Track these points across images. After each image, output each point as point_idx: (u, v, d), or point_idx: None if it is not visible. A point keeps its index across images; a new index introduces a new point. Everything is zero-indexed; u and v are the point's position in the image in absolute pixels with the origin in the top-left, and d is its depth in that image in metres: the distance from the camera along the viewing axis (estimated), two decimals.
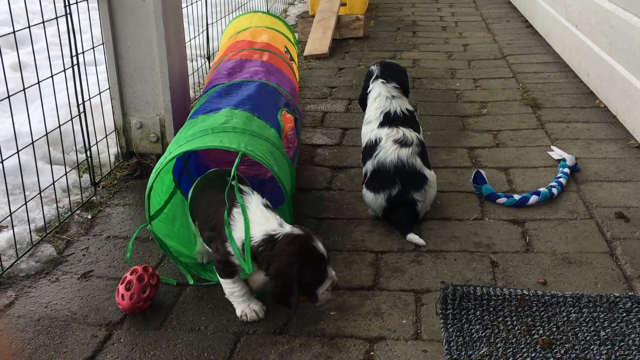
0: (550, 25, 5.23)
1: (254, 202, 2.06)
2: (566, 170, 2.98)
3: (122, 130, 3.25)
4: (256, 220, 2.00)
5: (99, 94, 3.14)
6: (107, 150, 3.23)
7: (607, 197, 2.79)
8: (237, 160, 2.22)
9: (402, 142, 2.63)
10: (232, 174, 2.14)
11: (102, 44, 3.11)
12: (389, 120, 2.73)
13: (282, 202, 2.61)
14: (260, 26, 3.65)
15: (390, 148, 2.63)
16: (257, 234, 1.98)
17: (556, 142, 3.39)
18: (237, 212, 2.04)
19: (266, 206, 2.07)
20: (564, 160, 3.08)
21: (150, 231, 2.28)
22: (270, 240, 1.95)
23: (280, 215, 2.08)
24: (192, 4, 4.42)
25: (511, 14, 6.66)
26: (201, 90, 4.32)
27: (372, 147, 2.69)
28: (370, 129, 2.77)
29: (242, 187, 2.14)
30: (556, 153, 3.19)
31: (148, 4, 3.01)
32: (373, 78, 2.92)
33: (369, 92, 2.91)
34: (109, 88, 3.19)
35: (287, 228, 1.98)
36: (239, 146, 2.21)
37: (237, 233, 2.01)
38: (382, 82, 2.86)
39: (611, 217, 2.62)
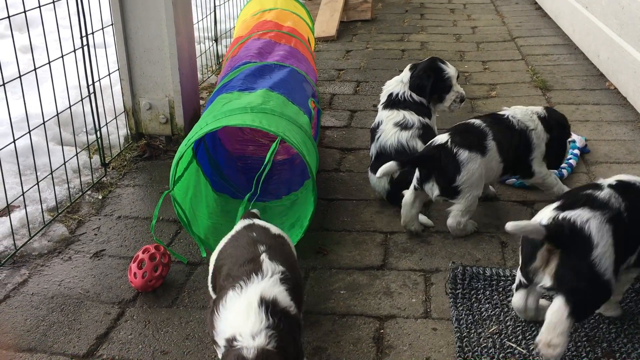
0: (560, 7, 5.18)
1: (249, 292, 1.58)
2: (576, 151, 2.98)
3: (132, 112, 3.26)
4: (233, 317, 1.55)
5: (109, 75, 3.15)
6: (117, 131, 3.24)
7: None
8: (274, 146, 2.22)
9: (403, 125, 2.63)
10: (265, 166, 2.13)
11: (112, 25, 3.11)
12: (390, 102, 2.73)
13: (301, 186, 2.69)
14: (285, 9, 3.65)
15: (390, 131, 2.62)
16: (226, 332, 1.54)
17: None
18: (231, 296, 1.60)
19: (262, 301, 1.55)
20: (573, 141, 3.07)
21: (172, 197, 2.28)
22: (229, 346, 1.50)
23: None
24: None
25: None
26: (208, 73, 4.31)
27: (374, 130, 2.70)
28: (379, 111, 2.77)
29: (261, 261, 1.68)
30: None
31: None
32: (411, 67, 2.82)
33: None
34: (119, 69, 3.19)
35: (257, 341, 1.46)
36: (277, 130, 2.23)
37: (221, 325, 1.58)
38: (409, 70, 2.79)
39: None
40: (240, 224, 1.94)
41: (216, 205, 2.68)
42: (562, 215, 1.73)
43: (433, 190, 2.35)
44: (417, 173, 2.39)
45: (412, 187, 2.41)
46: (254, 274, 1.64)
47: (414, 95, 2.74)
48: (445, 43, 5.04)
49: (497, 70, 4.34)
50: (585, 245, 1.69)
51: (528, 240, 1.79)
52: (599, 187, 1.84)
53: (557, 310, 1.67)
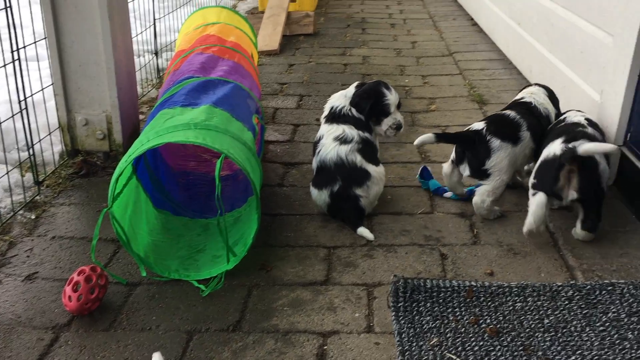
0: (495, 24, 5.37)
1: None
2: None
3: (67, 128, 3.15)
4: None
5: (42, 90, 3.04)
6: (51, 148, 3.13)
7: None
8: (219, 165, 2.19)
9: (342, 139, 2.65)
10: (217, 180, 2.13)
11: (45, 38, 3.01)
12: (332, 116, 2.75)
13: (244, 202, 2.67)
14: (229, 24, 3.63)
15: (330, 145, 2.65)
16: None
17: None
18: None
19: None
20: None
21: (111, 215, 2.22)
22: None
23: None
24: None
25: (457, 12, 6.80)
26: (148, 87, 4.24)
27: (316, 143, 2.72)
28: (322, 125, 2.79)
29: None
30: None
31: None
32: (357, 85, 2.85)
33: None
34: (53, 84, 3.09)
35: None
36: (222, 147, 2.20)
37: None
38: (356, 87, 2.82)
39: (554, 209, 2.72)
40: None
41: (157, 222, 2.62)
42: (571, 145, 2.35)
43: (465, 170, 2.63)
44: (451, 156, 2.69)
45: (450, 160, 2.71)
46: None
47: (354, 110, 2.77)
48: (387, 57, 5.13)
49: (436, 85, 4.46)
50: (593, 164, 2.35)
51: (551, 167, 2.37)
52: (582, 125, 2.54)
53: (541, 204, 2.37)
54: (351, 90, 2.82)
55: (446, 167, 2.75)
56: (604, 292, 2.15)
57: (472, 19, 6.35)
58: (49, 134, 3.14)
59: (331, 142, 2.65)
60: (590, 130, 2.50)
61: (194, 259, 2.43)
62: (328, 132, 2.69)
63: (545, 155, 2.46)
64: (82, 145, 3.19)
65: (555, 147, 2.41)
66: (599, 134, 2.54)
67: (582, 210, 2.42)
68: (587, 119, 2.62)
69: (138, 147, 2.22)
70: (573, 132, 2.45)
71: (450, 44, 5.50)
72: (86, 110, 3.13)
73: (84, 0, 2.94)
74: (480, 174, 2.59)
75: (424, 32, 5.96)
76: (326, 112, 2.80)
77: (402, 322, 2.03)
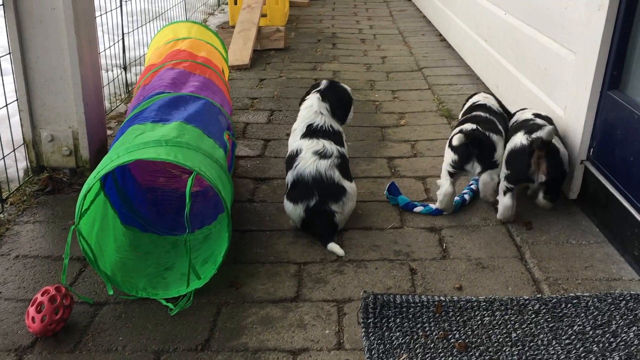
0: (463, 40, 5.47)
1: None
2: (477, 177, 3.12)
3: (32, 144, 3.10)
4: None
5: (6, 105, 2.98)
6: (16, 164, 3.07)
7: (516, 202, 2.94)
8: (189, 183, 2.17)
9: (322, 154, 2.66)
10: (187, 197, 2.09)
11: (9, 53, 2.96)
12: (310, 132, 2.76)
13: (214, 219, 2.66)
14: (199, 39, 3.61)
15: (309, 159, 2.65)
16: None
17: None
18: None
19: None
20: None
21: (78, 232, 2.17)
22: None
23: None
24: (106, 12, 4.29)
25: (426, 28, 6.90)
26: (117, 102, 4.19)
27: (292, 158, 2.71)
28: (294, 140, 2.79)
29: None
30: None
31: (58, 13, 2.89)
32: (315, 90, 2.93)
33: (306, 99, 2.93)
34: (17, 100, 3.04)
35: None
36: (193, 164, 2.18)
37: None
38: (319, 98, 2.88)
39: (520, 222, 2.77)
40: None
41: (125, 239, 2.58)
42: (533, 135, 2.68)
43: (475, 168, 2.82)
44: (449, 161, 2.84)
45: (446, 178, 2.85)
46: None
47: (333, 125, 2.80)
48: (357, 72, 5.18)
49: (406, 100, 4.51)
50: (555, 150, 2.69)
51: (522, 156, 2.70)
52: (532, 119, 2.89)
53: (509, 206, 2.76)
54: (320, 104, 2.84)
55: (447, 186, 2.82)
56: (569, 305, 2.18)
57: (440, 35, 6.45)
58: (14, 150, 3.08)
59: (311, 156, 2.65)
60: (540, 121, 2.88)
61: (162, 276, 2.40)
62: (308, 147, 2.69)
63: (511, 147, 2.77)
64: (48, 162, 3.13)
65: (518, 139, 2.74)
66: (548, 122, 2.89)
67: (546, 188, 2.74)
68: (534, 114, 2.98)
69: (107, 164, 2.19)
70: (528, 125, 2.81)
71: (419, 59, 5.57)
72: (52, 126, 3.08)
73: (49, 15, 2.90)
74: (491, 165, 2.83)
75: (393, 48, 6.03)
76: (304, 129, 2.79)
77: (372, 338, 2.03)
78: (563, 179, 2.77)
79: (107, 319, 2.15)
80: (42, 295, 2.05)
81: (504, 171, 2.77)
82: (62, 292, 2.08)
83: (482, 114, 3.01)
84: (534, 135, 2.67)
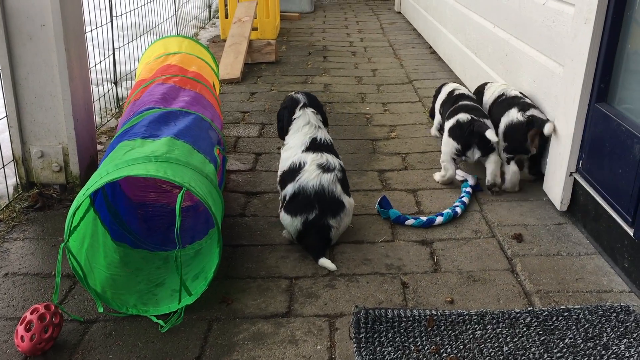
0: (452, 52, 5.51)
1: None
2: (468, 189, 3.14)
3: (22, 160, 3.08)
4: None
5: None
6: (5, 181, 3.05)
7: (507, 215, 2.96)
8: (179, 199, 2.16)
9: (325, 168, 2.67)
10: (177, 214, 2.09)
11: None
12: (315, 145, 2.76)
13: (205, 234, 2.65)
14: (190, 54, 3.62)
15: (313, 172, 2.65)
16: None
17: (460, 164, 3.55)
18: None
19: None
20: (466, 181, 3.24)
21: (67, 249, 2.16)
22: None
23: None
24: (97, 27, 4.29)
25: (416, 41, 6.95)
26: (108, 116, 4.19)
27: (295, 171, 2.69)
28: (293, 153, 2.76)
29: None
30: (459, 175, 3.35)
31: (48, 29, 2.90)
32: (301, 105, 2.93)
33: (295, 118, 2.91)
34: (7, 116, 3.03)
35: None
36: (183, 180, 2.18)
37: None
38: (313, 111, 2.90)
39: (511, 235, 2.78)
40: None
41: (115, 256, 2.57)
42: (527, 113, 3.12)
43: (475, 154, 3.17)
44: (451, 149, 3.20)
45: (451, 162, 3.24)
46: None
47: (327, 137, 2.84)
48: (348, 85, 5.20)
49: (397, 112, 4.52)
50: (542, 130, 3.03)
51: (519, 131, 3.11)
52: (521, 97, 3.30)
53: (516, 171, 3.17)
54: (313, 116, 2.86)
55: (452, 171, 3.26)
56: (560, 318, 2.19)
57: (430, 47, 6.50)
58: (3, 166, 3.06)
59: (315, 169, 2.65)
60: (529, 100, 3.26)
61: (152, 293, 2.39)
62: (313, 160, 2.69)
63: (507, 123, 3.17)
64: (38, 178, 3.12)
65: (514, 115, 3.15)
66: (533, 102, 3.28)
67: (530, 162, 3.22)
68: (520, 92, 3.37)
69: (97, 180, 2.18)
70: (520, 103, 3.20)
71: (410, 72, 5.61)
72: (42, 142, 3.07)
73: (39, 32, 2.90)
74: (488, 150, 3.14)
75: (384, 60, 6.07)
76: (308, 143, 2.78)
77: (364, 353, 2.02)
78: (542, 155, 3.19)
79: (97, 336, 2.14)
80: (32, 313, 2.04)
81: (502, 144, 3.17)
82: (51, 310, 2.07)
83: (468, 103, 3.33)
84: (528, 113, 3.09)
